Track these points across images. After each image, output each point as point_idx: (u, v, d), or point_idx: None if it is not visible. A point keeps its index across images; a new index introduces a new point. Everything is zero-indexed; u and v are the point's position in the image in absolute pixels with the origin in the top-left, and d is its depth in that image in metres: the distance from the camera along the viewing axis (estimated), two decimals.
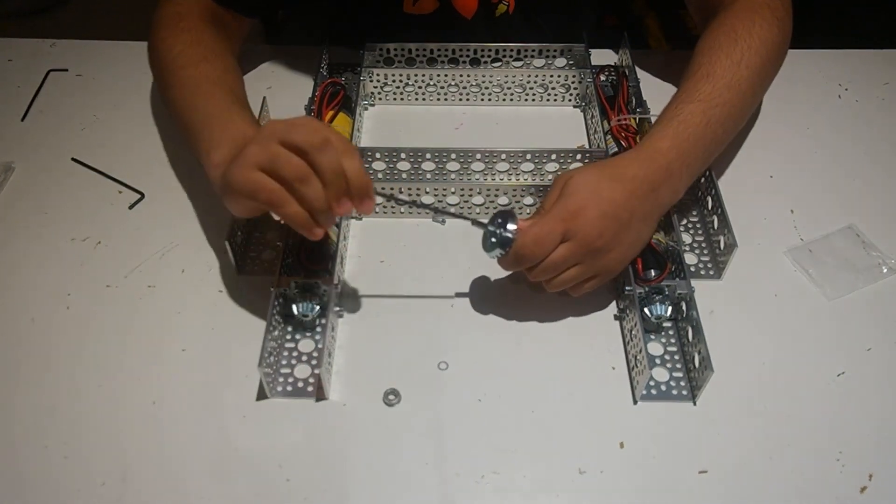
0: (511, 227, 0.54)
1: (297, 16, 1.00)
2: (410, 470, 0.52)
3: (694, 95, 0.61)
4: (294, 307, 0.58)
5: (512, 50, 0.79)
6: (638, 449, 0.53)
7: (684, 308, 0.58)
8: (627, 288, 0.58)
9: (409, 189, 0.67)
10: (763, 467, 0.52)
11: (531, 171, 0.69)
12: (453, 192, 0.67)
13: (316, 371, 0.57)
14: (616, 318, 0.61)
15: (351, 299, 0.62)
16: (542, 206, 0.57)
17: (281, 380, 0.56)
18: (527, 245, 0.53)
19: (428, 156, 0.69)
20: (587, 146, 0.75)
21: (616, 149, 0.69)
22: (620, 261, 0.57)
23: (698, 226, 0.67)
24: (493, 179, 0.70)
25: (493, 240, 0.55)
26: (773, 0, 0.67)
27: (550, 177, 0.70)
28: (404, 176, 0.69)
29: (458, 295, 0.62)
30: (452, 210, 0.55)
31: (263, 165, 0.49)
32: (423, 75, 0.77)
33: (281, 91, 0.78)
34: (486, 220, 0.56)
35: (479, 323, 0.60)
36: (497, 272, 0.63)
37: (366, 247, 0.66)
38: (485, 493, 0.51)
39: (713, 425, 0.54)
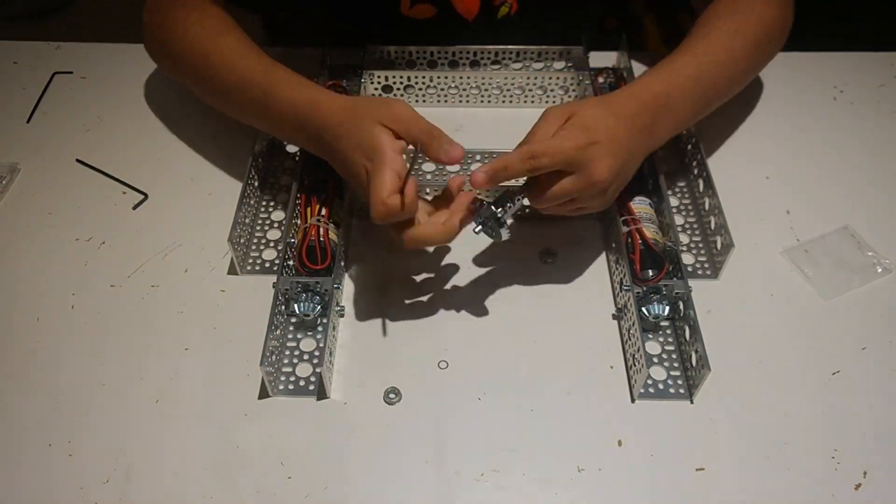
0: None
1: (297, 16, 1.00)
2: (410, 468, 0.52)
3: (688, 49, 0.63)
4: (296, 306, 0.59)
5: (511, 52, 0.80)
6: (636, 447, 0.53)
7: (682, 307, 0.59)
8: (625, 287, 0.58)
9: None
10: (759, 465, 0.52)
11: None
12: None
13: (317, 370, 0.57)
14: (614, 317, 0.61)
15: (352, 298, 0.63)
16: (529, 137, 0.56)
17: (282, 378, 0.57)
18: (538, 150, 0.52)
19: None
20: None
21: None
22: (613, 195, 0.58)
23: (695, 226, 0.68)
24: None
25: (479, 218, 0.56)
26: None
27: None
28: None
29: (459, 295, 0.63)
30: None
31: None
32: (424, 77, 0.78)
33: None
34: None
35: (479, 322, 0.61)
36: (497, 271, 0.64)
37: (366, 247, 0.66)
38: (484, 492, 0.51)
39: (710, 423, 0.55)
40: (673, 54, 0.64)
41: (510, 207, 0.56)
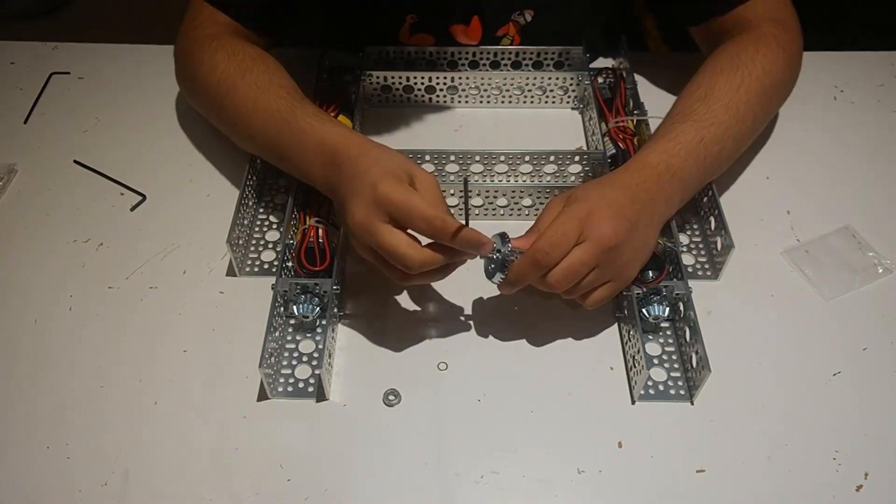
0: (507, 246, 0.54)
1: (298, 18, 1.00)
2: (410, 470, 0.52)
3: (688, 115, 0.62)
4: (294, 308, 0.59)
5: (511, 52, 0.80)
6: (636, 449, 0.53)
7: (682, 309, 0.58)
8: (625, 289, 0.58)
9: None
10: (760, 466, 0.52)
11: (529, 172, 0.70)
12: (452, 194, 0.68)
13: (316, 371, 0.57)
14: (615, 318, 0.61)
15: (351, 300, 0.62)
16: (537, 225, 0.56)
17: (281, 380, 0.57)
18: (543, 248, 0.52)
19: (427, 157, 0.69)
20: (585, 148, 0.76)
21: (613, 150, 0.70)
22: (632, 264, 0.56)
23: (695, 227, 0.67)
24: (492, 181, 0.70)
25: (493, 266, 0.55)
26: (780, 32, 0.68)
27: (549, 178, 0.70)
28: None
29: (458, 296, 0.63)
30: None
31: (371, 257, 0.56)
32: (423, 77, 0.78)
33: None
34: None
35: (478, 323, 0.61)
36: None
37: None
38: (484, 493, 0.51)
39: (711, 425, 0.54)
40: (673, 120, 0.62)
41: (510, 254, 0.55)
